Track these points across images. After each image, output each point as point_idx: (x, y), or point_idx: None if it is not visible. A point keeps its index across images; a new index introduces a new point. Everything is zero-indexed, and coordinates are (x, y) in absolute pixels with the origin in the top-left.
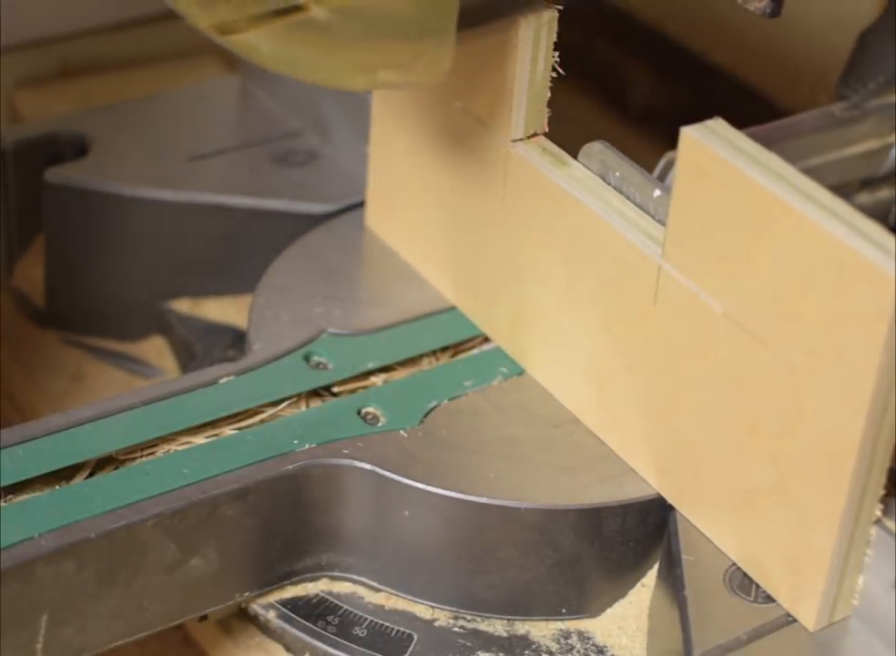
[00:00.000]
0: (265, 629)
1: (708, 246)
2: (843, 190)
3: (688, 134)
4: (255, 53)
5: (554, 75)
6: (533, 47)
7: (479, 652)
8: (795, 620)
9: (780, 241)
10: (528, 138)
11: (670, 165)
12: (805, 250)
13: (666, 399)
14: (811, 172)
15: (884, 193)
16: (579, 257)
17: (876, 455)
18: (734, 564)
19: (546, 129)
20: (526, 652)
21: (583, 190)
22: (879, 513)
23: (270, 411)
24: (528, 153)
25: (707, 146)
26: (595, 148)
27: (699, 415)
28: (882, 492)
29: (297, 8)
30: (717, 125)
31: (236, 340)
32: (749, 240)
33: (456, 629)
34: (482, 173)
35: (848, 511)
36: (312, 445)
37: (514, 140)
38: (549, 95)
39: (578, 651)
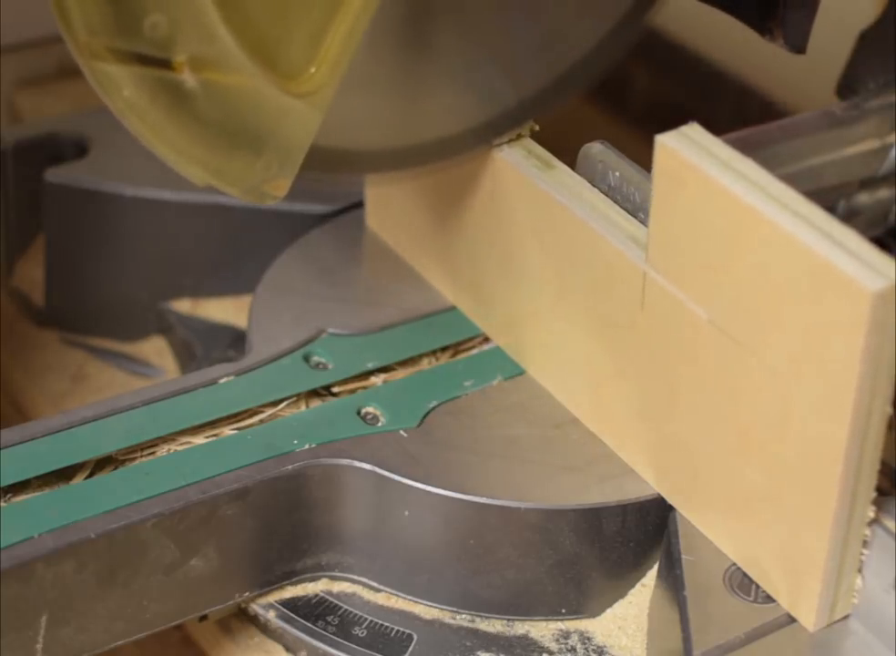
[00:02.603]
0: (265, 629)
1: (689, 253)
2: (843, 190)
3: (663, 142)
4: (113, 91)
5: None
6: None
7: (479, 652)
8: (795, 620)
9: (757, 250)
10: (513, 140)
11: None
12: (780, 259)
13: (659, 402)
14: (811, 172)
15: (884, 193)
16: (567, 261)
17: (864, 459)
18: (734, 564)
19: (535, 130)
20: (526, 652)
21: (567, 194)
22: (873, 514)
23: (270, 411)
24: (512, 156)
25: (682, 153)
26: (595, 149)
27: (692, 419)
28: (875, 493)
29: (168, 64)
30: (693, 131)
31: (236, 340)
32: (727, 247)
33: (456, 629)
34: (470, 176)
35: (839, 514)
36: (312, 445)
37: (498, 143)
38: None
39: (578, 651)
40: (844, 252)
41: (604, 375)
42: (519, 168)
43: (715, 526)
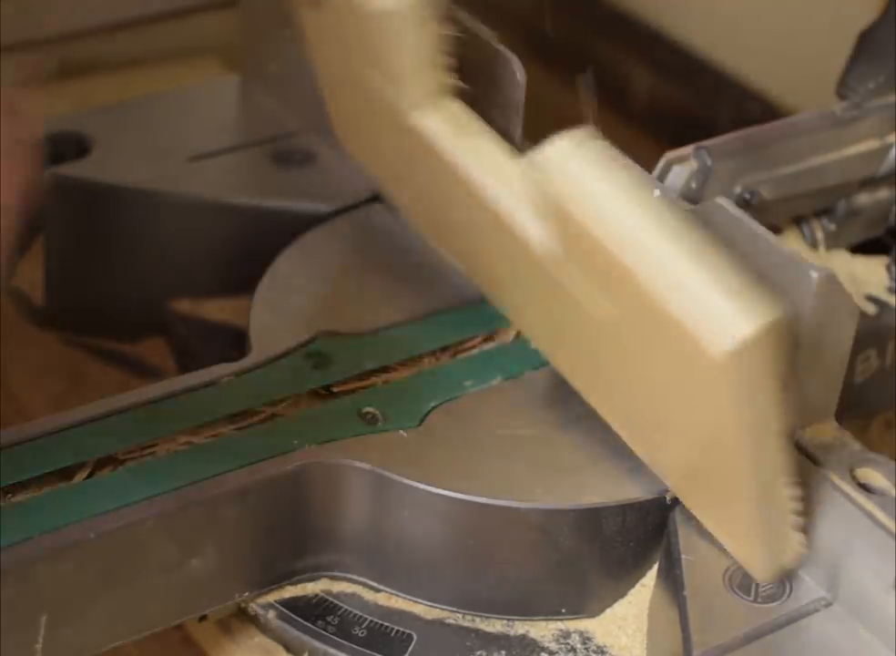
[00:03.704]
0: (265, 629)
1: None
2: (843, 190)
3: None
4: None
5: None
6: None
7: (479, 652)
8: (795, 620)
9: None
10: (427, 105)
11: (670, 165)
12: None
13: (637, 403)
14: (811, 172)
15: (884, 193)
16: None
17: (771, 465)
18: (734, 564)
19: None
20: (526, 652)
21: (475, 164)
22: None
23: (270, 411)
24: (427, 122)
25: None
26: None
27: (666, 424)
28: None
29: None
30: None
31: (236, 340)
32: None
33: (456, 629)
34: (405, 141)
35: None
36: (312, 446)
37: (414, 109)
38: (445, 59)
39: (578, 651)
40: (696, 301)
41: (592, 374)
42: (431, 134)
43: (705, 518)
